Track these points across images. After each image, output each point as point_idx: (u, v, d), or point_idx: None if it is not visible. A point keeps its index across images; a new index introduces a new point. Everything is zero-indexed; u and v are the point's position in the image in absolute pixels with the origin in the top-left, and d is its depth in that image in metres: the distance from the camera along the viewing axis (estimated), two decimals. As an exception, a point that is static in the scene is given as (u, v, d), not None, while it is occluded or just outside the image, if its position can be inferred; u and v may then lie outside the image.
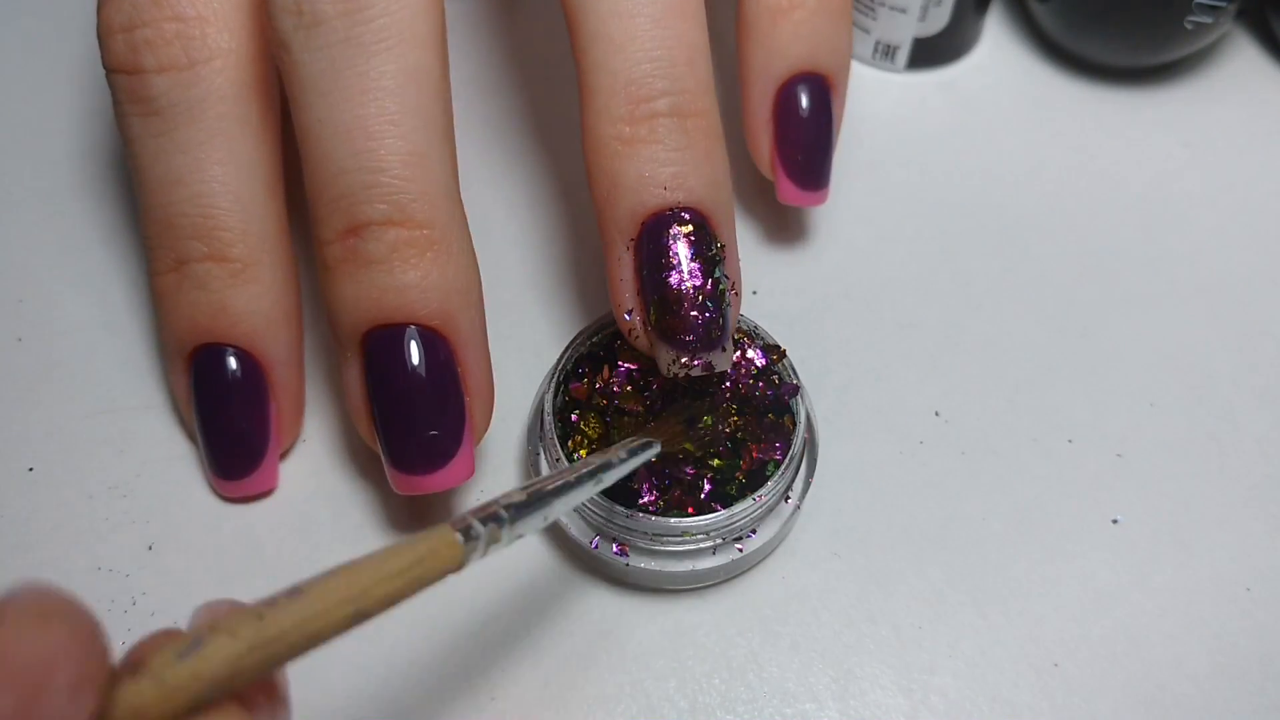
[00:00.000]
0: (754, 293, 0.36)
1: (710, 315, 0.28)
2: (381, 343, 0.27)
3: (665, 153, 0.28)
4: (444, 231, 0.27)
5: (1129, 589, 0.30)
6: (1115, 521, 0.32)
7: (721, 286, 0.28)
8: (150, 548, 0.30)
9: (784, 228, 0.38)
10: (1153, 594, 0.30)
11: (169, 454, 0.32)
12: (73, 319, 0.35)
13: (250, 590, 0.29)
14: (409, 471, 0.27)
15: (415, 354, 0.27)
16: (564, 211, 0.38)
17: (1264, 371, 0.35)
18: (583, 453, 0.29)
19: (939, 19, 0.42)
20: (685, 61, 0.28)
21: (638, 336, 0.28)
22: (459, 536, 0.21)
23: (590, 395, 0.30)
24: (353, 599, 0.19)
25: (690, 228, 0.28)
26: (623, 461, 0.26)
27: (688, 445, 0.28)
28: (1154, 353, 0.35)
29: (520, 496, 0.23)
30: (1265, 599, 0.30)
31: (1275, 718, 0.28)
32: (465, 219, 0.28)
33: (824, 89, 0.34)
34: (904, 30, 0.42)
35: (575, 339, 0.31)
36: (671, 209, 0.28)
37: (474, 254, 0.28)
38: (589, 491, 0.25)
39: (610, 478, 0.26)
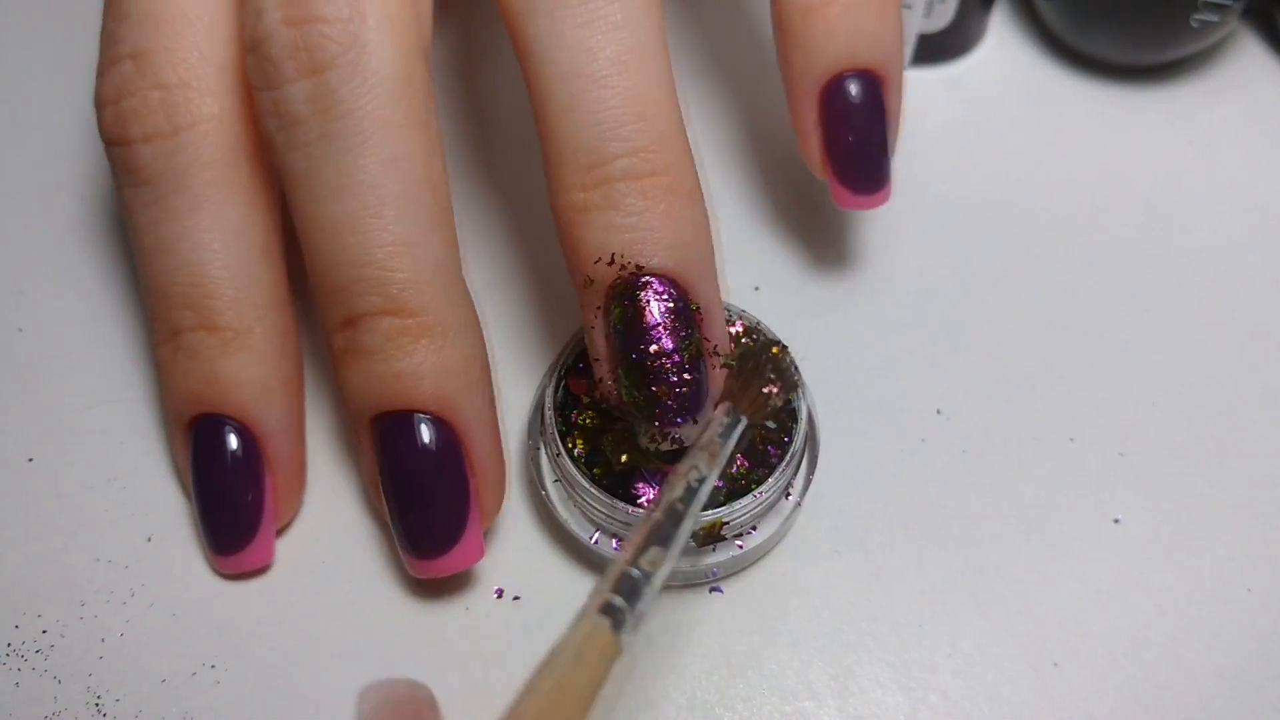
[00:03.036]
0: (756, 289, 0.36)
1: (684, 385, 0.27)
2: (386, 428, 0.27)
3: (621, 219, 0.26)
4: (438, 316, 0.27)
5: (1130, 588, 0.30)
6: (1117, 521, 0.31)
7: (690, 354, 0.27)
8: (149, 539, 0.30)
9: (785, 224, 0.38)
10: (1153, 594, 0.30)
11: (168, 447, 0.32)
12: (73, 310, 0.35)
13: (247, 584, 0.29)
14: (416, 555, 0.28)
15: (417, 439, 0.27)
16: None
17: (1267, 371, 0.35)
18: (580, 446, 0.29)
19: (944, 15, 0.42)
20: (635, 118, 0.27)
21: (616, 405, 0.28)
22: (608, 623, 0.23)
23: (590, 391, 0.30)
24: None
25: (658, 292, 0.27)
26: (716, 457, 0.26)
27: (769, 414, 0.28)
28: (1157, 351, 0.35)
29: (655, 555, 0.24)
30: (1267, 600, 0.30)
31: (1276, 718, 0.28)
32: (466, 297, 0.28)
33: (871, 85, 0.32)
34: (909, 26, 0.42)
35: (576, 335, 0.31)
36: (633, 276, 0.27)
37: (478, 332, 0.28)
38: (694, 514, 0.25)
39: (707, 487, 0.26)
